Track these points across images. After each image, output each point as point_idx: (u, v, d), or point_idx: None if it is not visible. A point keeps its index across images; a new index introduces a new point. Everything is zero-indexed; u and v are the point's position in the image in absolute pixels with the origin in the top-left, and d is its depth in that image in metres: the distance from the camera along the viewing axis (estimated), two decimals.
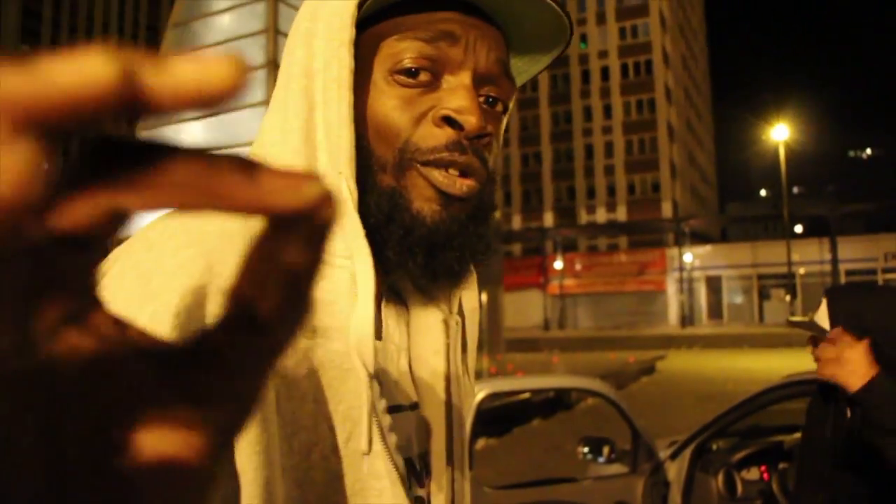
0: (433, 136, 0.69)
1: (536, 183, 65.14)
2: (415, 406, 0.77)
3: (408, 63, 0.69)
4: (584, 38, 64.09)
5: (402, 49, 0.69)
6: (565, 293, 49.95)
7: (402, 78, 0.69)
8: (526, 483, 3.62)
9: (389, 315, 0.79)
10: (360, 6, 0.69)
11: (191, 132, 12.42)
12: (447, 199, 0.69)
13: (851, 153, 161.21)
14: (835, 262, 40.75)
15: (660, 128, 60.79)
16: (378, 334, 0.75)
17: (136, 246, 0.62)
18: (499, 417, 10.16)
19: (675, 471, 3.56)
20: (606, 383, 3.84)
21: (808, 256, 42.64)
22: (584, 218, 61.52)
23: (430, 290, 0.79)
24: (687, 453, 3.58)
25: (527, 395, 11.23)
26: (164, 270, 0.59)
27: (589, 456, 3.74)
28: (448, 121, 0.69)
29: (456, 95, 0.69)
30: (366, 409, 0.64)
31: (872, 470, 2.03)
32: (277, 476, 0.61)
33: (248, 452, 0.58)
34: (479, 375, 3.28)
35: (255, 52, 11.98)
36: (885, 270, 42.39)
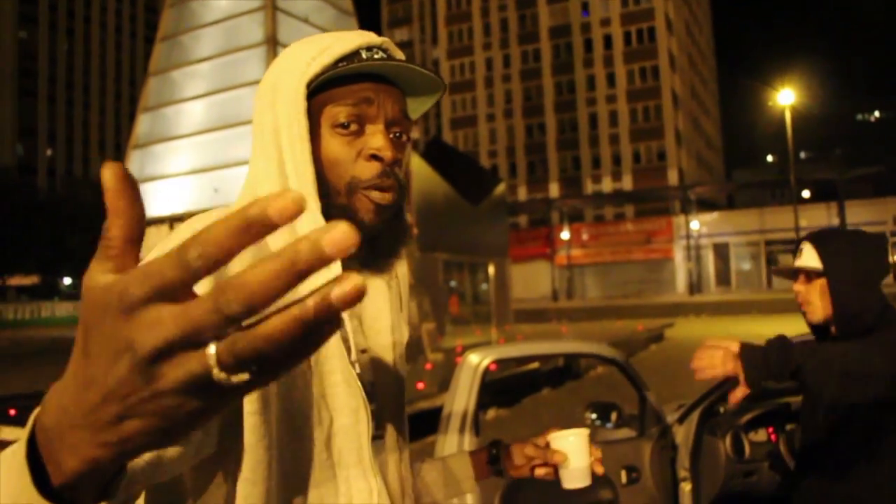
0: (368, 169, 1.05)
1: (541, 154, 64.90)
2: (364, 351, 1.12)
3: (342, 119, 1.05)
4: (585, 7, 63.56)
5: (338, 112, 1.05)
6: (573, 263, 49.97)
7: (340, 130, 1.05)
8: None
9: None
10: (308, 85, 1.04)
11: (193, 111, 12.38)
12: (380, 209, 1.06)
13: (859, 116, 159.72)
14: (843, 226, 40.61)
15: (664, 95, 60.38)
16: None
17: (179, 232, 0.93)
18: (508, 388, 10.21)
19: (683, 434, 3.57)
20: (612, 347, 3.84)
21: (816, 221, 42.48)
22: (589, 188, 61.35)
23: (375, 266, 1.14)
24: (694, 417, 3.58)
25: (536, 365, 11.27)
26: None
27: (597, 421, 3.75)
28: (374, 157, 1.05)
29: (375, 139, 1.05)
30: (344, 351, 1.03)
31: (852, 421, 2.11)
32: (273, 395, 0.95)
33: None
34: (483, 346, 3.31)
35: (253, 30, 11.89)
36: (893, 234, 42.26)
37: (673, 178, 58.36)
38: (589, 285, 50.81)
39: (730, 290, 45.16)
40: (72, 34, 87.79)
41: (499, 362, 3.15)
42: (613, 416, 3.72)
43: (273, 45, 11.50)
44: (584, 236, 51.04)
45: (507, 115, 66.69)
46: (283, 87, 1.04)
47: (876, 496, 2.04)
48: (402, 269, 1.19)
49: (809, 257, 2.19)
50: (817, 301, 2.17)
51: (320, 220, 0.98)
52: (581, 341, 3.87)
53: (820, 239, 2.21)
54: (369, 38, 1.08)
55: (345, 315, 0.83)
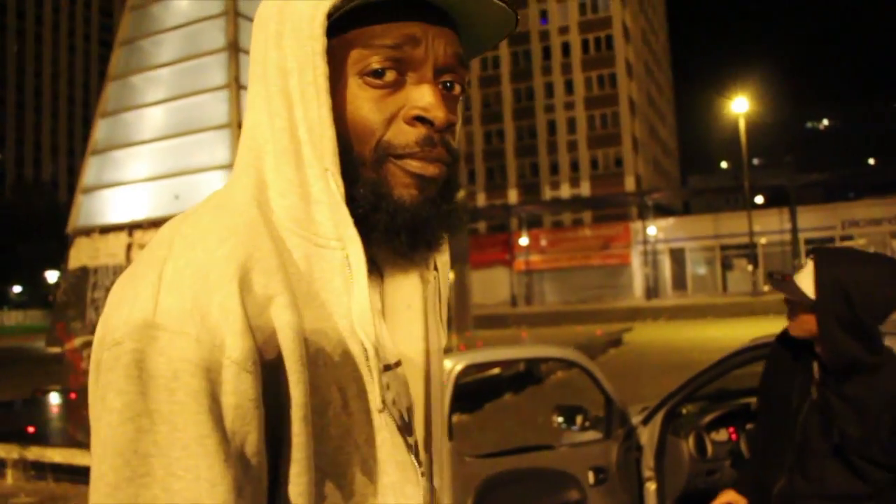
0: (404, 135, 0.77)
1: (500, 160, 65.20)
2: (398, 364, 0.84)
3: (375, 65, 0.76)
4: (544, 14, 64.02)
5: (370, 55, 0.76)
6: (531, 269, 50.24)
7: (371, 80, 0.77)
8: (505, 451, 3.70)
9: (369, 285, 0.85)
10: (329, 16, 0.75)
11: (153, 117, 12.26)
12: (422, 182, 0.78)
13: (809, 124, 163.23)
14: (794, 231, 41.44)
15: (621, 102, 61.08)
16: None
17: (179, 246, 0.71)
18: (470, 393, 10.27)
19: (648, 435, 3.67)
20: (580, 352, 3.93)
21: (769, 226, 43.32)
22: (548, 194, 61.77)
23: (412, 258, 0.87)
24: (658, 418, 3.68)
25: (497, 370, 11.35)
26: (215, 263, 0.68)
27: (563, 424, 3.83)
28: (420, 119, 0.77)
29: (421, 93, 0.77)
30: (375, 372, 0.75)
31: (836, 424, 2.14)
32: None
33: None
34: (447, 352, 3.32)
35: (214, 35, 11.81)
36: (843, 238, 43.22)
37: (630, 184, 59.04)
38: (548, 291, 51.10)
39: (686, 295, 45.77)
40: (22, 35, 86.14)
41: (469, 368, 3.21)
42: (579, 419, 3.79)
43: (235, 51, 11.44)
44: (543, 242, 51.35)
45: (466, 121, 66.92)
46: (293, 15, 0.77)
47: (840, 494, 2.12)
48: (443, 258, 0.94)
49: (805, 279, 2.00)
50: (803, 326, 2.05)
51: (342, 211, 0.76)
52: (550, 346, 3.95)
53: (822, 260, 2.02)
54: None
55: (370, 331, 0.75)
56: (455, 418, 9.52)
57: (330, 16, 0.75)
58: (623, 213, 53.49)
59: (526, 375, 12.56)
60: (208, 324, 0.65)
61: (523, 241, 49.91)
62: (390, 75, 0.77)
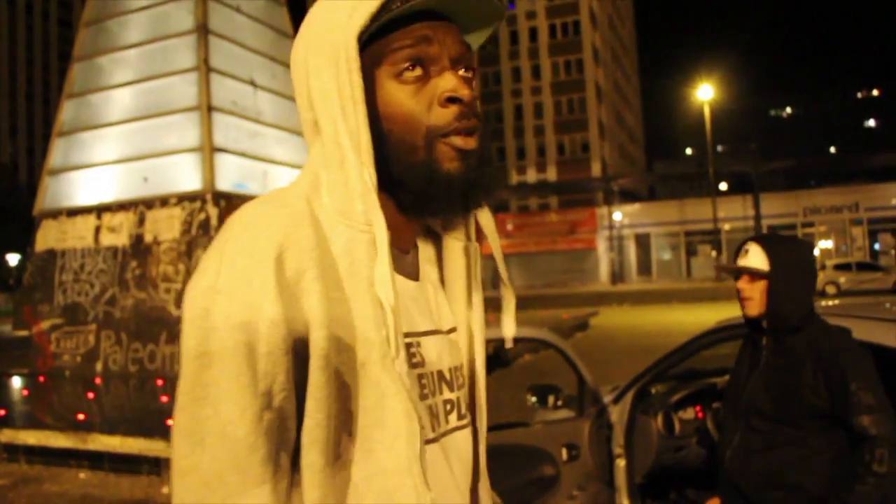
0: (445, 115, 0.93)
1: None
2: (452, 330, 1.08)
3: (404, 65, 0.93)
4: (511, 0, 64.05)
5: (398, 58, 0.93)
6: None
7: (406, 76, 0.93)
8: None
9: (425, 260, 1.10)
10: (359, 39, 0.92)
11: (120, 99, 12.14)
12: (464, 155, 0.94)
13: (772, 112, 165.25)
14: (758, 217, 42.11)
15: (588, 88, 61.41)
16: (416, 276, 1.05)
17: (236, 230, 0.89)
18: None
19: (618, 413, 3.80)
20: (553, 333, 4.04)
21: (733, 213, 43.96)
22: (514, 178, 62.02)
23: (453, 224, 1.10)
24: (628, 397, 3.81)
25: None
26: (258, 245, 0.86)
27: (537, 404, 3.94)
28: (451, 100, 0.93)
29: (445, 80, 0.94)
30: (392, 332, 0.88)
31: (777, 399, 2.34)
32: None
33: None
34: None
35: (182, 17, 11.72)
36: (804, 225, 44.02)
37: (596, 169, 59.50)
38: (514, 275, 51.34)
39: (651, 280, 46.35)
40: None
41: None
42: (552, 398, 3.90)
43: (204, 32, 11.36)
44: (509, 226, 51.60)
45: None
46: (323, 51, 0.93)
47: (796, 468, 2.28)
48: (485, 216, 1.10)
49: (756, 258, 2.39)
50: (758, 298, 2.39)
51: (372, 198, 0.90)
52: (526, 327, 4.06)
53: (767, 242, 2.42)
54: None
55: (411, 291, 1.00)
56: None
57: (360, 38, 0.92)
58: (589, 199, 53.92)
59: (493, 358, 12.70)
60: (251, 291, 0.83)
61: None
62: (417, 71, 0.94)
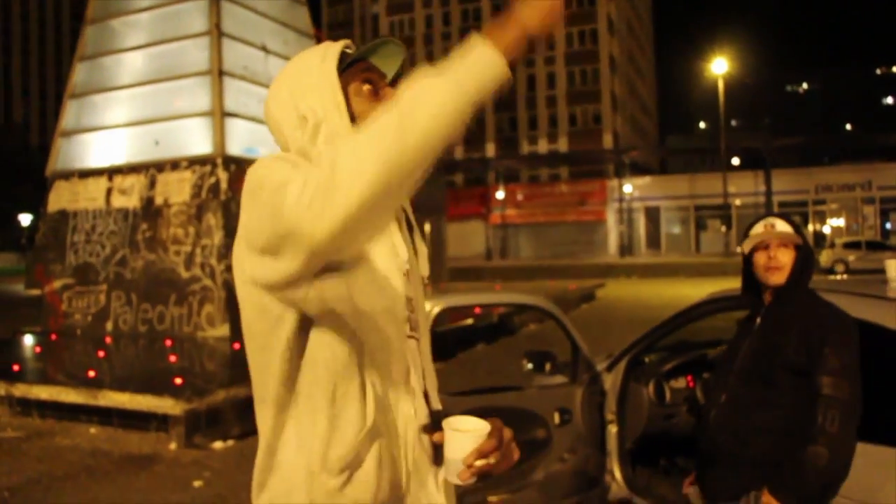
0: None
1: (478, 113, 64.32)
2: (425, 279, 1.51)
3: (364, 86, 1.39)
4: None
5: (359, 83, 1.39)
6: (507, 223, 50.53)
7: (368, 93, 1.39)
8: (476, 390, 3.93)
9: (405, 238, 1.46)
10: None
11: (132, 62, 12.20)
12: None
13: (789, 87, 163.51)
14: (769, 193, 41.94)
15: (602, 59, 60.94)
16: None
17: (265, 161, 1.24)
18: (444, 342, 10.53)
19: (611, 381, 3.92)
20: (549, 301, 4.14)
21: (744, 188, 43.77)
22: (525, 148, 61.82)
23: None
24: (621, 365, 3.92)
25: (470, 320, 11.62)
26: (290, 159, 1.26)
27: (532, 369, 4.06)
28: None
29: (388, 92, 1.39)
30: (402, 297, 1.33)
31: (762, 357, 2.45)
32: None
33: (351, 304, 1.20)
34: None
35: None
36: (815, 202, 43.85)
37: (608, 141, 59.23)
38: (522, 245, 51.47)
39: (659, 253, 46.33)
40: None
41: (447, 310, 3.42)
42: (547, 364, 4.01)
43: (215, 2, 11.42)
44: (519, 197, 51.56)
45: None
46: (305, 85, 1.37)
47: (781, 426, 2.38)
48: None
49: (786, 230, 2.50)
50: (788, 267, 2.48)
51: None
52: (522, 294, 4.17)
53: (787, 218, 2.57)
54: (340, 42, 1.44)
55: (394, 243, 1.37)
56: None
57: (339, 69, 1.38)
58: (600, 171, 53.71)
59: (499, 326, 12.83)
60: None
61: (500, 195, 50.09)
62: (373, 88, 1.40)
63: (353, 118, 1.35)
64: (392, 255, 1.33)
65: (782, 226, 2.51)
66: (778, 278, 2.48)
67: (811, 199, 43.85)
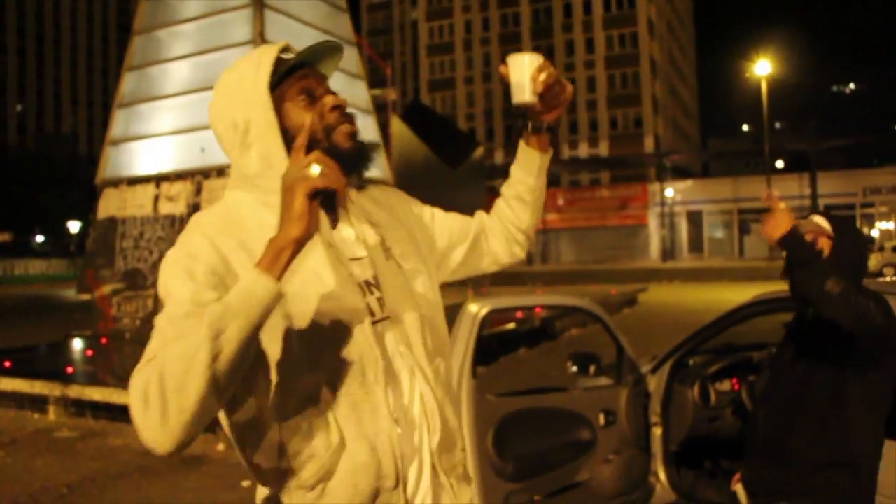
0: (333, 117, 1.42)
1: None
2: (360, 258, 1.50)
3: (302, 96, 1.43)
4: None
5: (296, 93, 1.43)
6: (548, 228, 50.40)
7: (306, 102, 1.43)
8: (522, 391, 3.97)
9: (362, 221, 1.53)
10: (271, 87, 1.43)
11: (178, 71, 12.43)
12: (353, 136, 1.43)
13: (835, 88, 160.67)
14: (814, 196, 41.31)
15: (642, 62, 60.53)
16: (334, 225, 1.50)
17: (192, 224, 1.42)
18: (486, 347, 10.53)
19: (656, 383, 3.93)
20: (595, 303, 4.17)
21: (789, 191, 43.13)
22: (566, 153, 61.58)
23: (359, 182, 1.56)
24: (666, 368, 3.93)
25: (512, 325, 11.62)
26: (196, 247, 1.35)
27: (577, 371, 4.08)
28: (335, 107, 1.43)
29: (327, 98, 1.43)
30: (342, 291, 1.39)
31: (815, 355, 2.43)
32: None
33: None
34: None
35: None
36: (863, 205, 43.06)
37: (649, 145, 58.78)
38: (564, 250, 51.32)
39: (702, 257, 45.87)
40: None
41: (493, 313, 3.46)
42: (592, 367, 4.03)
43: (260, 6, 11.56)
44: (560, 201, 51.41)
45: (486, 78, 66.55)
46: (242, 102, 1.41)
47: (843, 437, 2.36)
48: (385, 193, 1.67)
49: (823, 222, 2.49)
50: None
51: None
52: (566, 296, 4.21)
53: (826, 216, 2.55)
54: (276, 46, 1.47)
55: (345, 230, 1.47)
56: None
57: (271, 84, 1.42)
58: (641, 174, 53.35)
59: (541, 331, 12.81)
60: (192, 250, 1.34)
61: None
62: (309, 99, 1.43)
63: (290, 130, 1.40)
64: (323, 255, 1.39)
65: (819, 219, 2.49)
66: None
67: (859, 202, 43.10)
